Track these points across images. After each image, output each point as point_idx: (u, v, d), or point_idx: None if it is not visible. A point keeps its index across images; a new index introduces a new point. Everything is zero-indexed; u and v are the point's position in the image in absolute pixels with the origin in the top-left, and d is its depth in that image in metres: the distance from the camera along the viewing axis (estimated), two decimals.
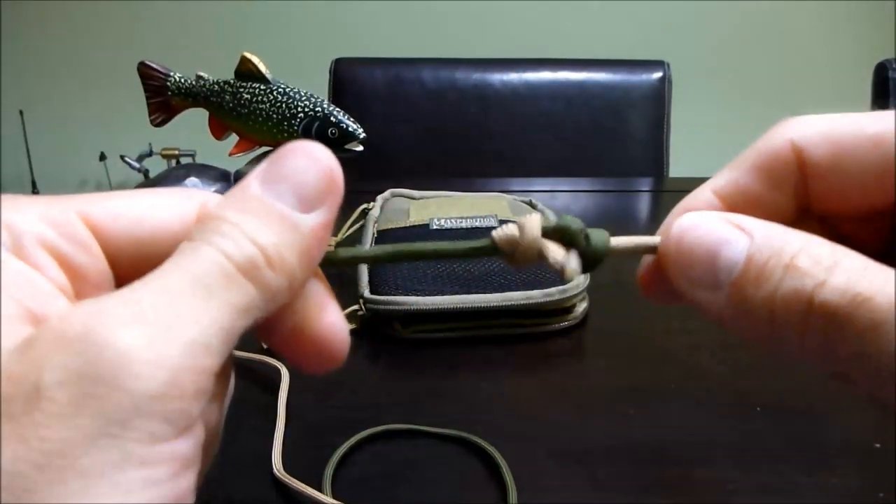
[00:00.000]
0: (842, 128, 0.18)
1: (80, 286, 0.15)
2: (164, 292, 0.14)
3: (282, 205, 0.16)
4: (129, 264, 0.16)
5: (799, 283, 0.15)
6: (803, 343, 0.15)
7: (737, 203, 0.19)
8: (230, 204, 0.15)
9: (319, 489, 0.33)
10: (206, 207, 0.17)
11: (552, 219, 0.19)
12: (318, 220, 0.16)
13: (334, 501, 0.32)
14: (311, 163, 0.16)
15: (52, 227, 0.15)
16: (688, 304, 0.18)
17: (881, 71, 1.08)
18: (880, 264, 0.15)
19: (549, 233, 0.19)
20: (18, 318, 0.13)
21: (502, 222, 0.56)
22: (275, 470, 0.34)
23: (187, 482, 0.14)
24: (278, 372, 0.42)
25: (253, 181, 0.16)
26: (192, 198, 0.17)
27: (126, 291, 0.14)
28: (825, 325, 0.15)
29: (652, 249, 0.19)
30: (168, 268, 0.14)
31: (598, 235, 0.19)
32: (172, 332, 0.13)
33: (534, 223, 0.19)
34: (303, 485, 0.33)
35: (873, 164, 0.17)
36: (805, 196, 0.19)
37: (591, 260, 0.19)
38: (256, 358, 0.43)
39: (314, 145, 0.17)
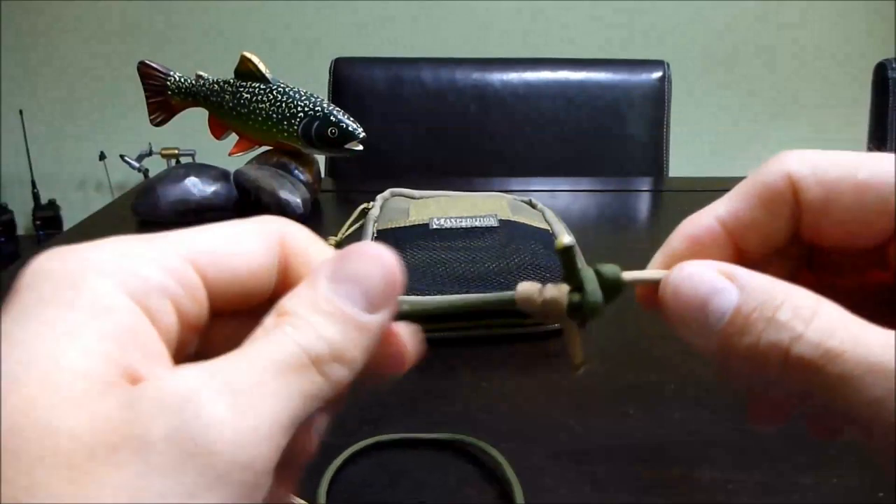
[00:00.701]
0: (835, 171, 0.19)
1: (185, 330, 0.17)
2: (251, 373, 0.15)
3: (350, 306, 0.17)
4: (223, 302, 0.18)
5: (777, 336, 0.17)
6: (784, 388, 0.17)
7: (736, 228, 0.20)
8: (304, 301, 0.17)
9: (314, 500, 0.33)
10: (287, 242, 0.19)
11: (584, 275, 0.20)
12: (381, 319, 0.18)
13: None
14: (377, 268, 0.18)
15: (174, 279, 0.17)
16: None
17: (881, 71, 1.08)
18: (858, 318, 0.17)
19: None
20: (114, 372, 0.14)
21: (502, 222, 0.56)
22: None
23: None
24: None
25: (323, 281, 0.17)
26: (272, 231, 0.19)
27: (221, 366, 0.15)
28: (800, 375, 0.16)
29: (656, 283, 0.20)
30: (254, 351, 0.16)
31: (609, 269, 0.20)
32: (258, 409, 0.15)
33: (561, 294, 0.20)
34: (297, 499, 0.32)
35: (857, 210, 0.19)
36: (799, 223, 0.20)
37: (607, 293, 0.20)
38: None
39: (380, 249, 0.18)
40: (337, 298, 0.17)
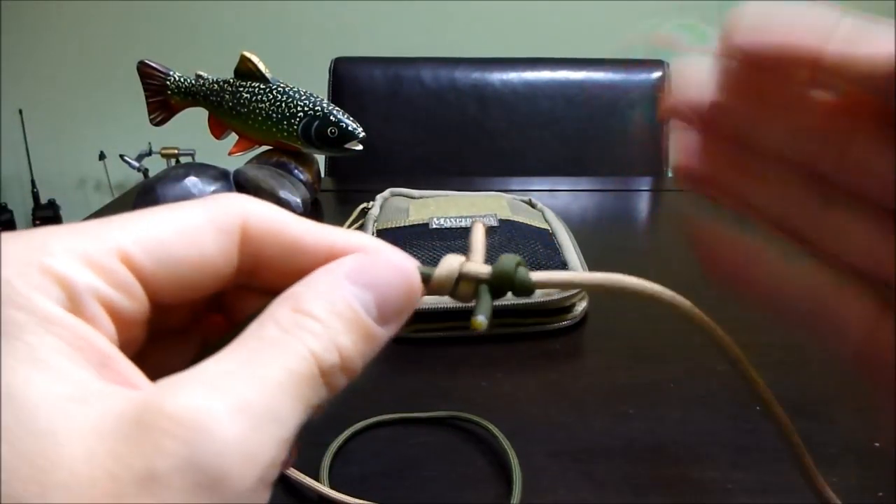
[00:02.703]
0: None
1: (123, 330, 0.16)
2: (263, 387, 0.14)
3: (366, 315, 0.16)
4: (169, 293, 0.16)
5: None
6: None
7: None
8: (324, 301, 0.16)
9: (317, 481, 0.33)
10: (251, 221, 0.17)
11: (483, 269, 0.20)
12: (389, 332, 0.17)
13: (333, 492, 0.32)
14: (399, 279, 0.17)
15: (100, 275, 0.15)
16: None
17: None
18: None
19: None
20: (106, 393, 0.14)
21: (502, 221, 0.56)
22: None
23: None
24: None
25: (344, 281, 0.16)
26: (228, 213, 0.17)
27: (232, 380, 0.14)
28: None
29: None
30: (270, 358, 0.15)
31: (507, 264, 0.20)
32: (268, 428, 0.14)
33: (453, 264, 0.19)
34: (302, 475, 0.34)
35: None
36: None
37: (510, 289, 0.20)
38: None
39: (403, 259, 0.17)
40: (355, 304, 0.16)
